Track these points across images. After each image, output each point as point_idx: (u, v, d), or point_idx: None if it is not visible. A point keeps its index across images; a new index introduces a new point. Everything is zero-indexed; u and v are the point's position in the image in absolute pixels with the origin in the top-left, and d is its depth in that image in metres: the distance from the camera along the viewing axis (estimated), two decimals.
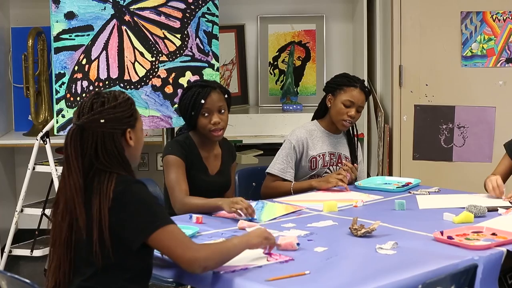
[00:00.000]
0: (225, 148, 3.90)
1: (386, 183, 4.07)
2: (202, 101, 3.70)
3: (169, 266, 2.74)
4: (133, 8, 4.60)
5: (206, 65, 4.80)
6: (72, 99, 4.46)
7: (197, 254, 2.55)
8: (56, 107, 4.45)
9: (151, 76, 4.65)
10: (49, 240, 2.67)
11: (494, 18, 5.22)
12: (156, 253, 2.67)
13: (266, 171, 4.06)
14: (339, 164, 4.10)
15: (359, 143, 4.25)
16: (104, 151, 2.59)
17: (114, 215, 2.53)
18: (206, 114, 3.71)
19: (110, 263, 2.55)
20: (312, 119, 4.20)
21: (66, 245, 2.60)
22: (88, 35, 4.48)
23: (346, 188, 3.87)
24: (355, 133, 4.17)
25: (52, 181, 4.87)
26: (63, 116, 4.45)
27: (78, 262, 2.60)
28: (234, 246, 2.66)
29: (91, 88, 4.48)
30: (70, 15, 4.43)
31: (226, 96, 3.78)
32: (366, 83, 4.16)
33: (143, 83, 4.63)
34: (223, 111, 3.74)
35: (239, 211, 3.32)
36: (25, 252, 4.99)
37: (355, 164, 4.07)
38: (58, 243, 2.62)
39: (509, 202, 3.57)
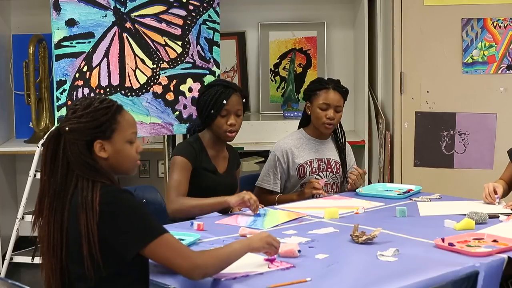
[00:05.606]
0: (230, 153, 3.98)
1: (387, 190, 4.08)
2: (224, 102, 3.76)
3: (170, 273, 2.73)
4: (134, 15, 4.61)
5: (207, 72, 4.80)
6: None
7: (196, 261, 2.52)
8: (57, 114, 4.45)
9: (152, 83, 4.65)
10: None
11: (495, 25, 5.22)
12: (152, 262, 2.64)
13: (256, 183, 4.14)
14: (329, 169, 4.11)
15: (348, 146, 4.27)
16: (72, 157, 2.52)
17: (105, 228, 2.46)
18: (224, 115, 3.76)
19: (102, 276, 2.49)
20: (298, 128, 4.26)
21: (54, 254, 2.56)
22: (89, 42, 4.48)
23: (323, 193, 3.91)
24: (343, 135, 4.21)
25: None
26: None
27: (72, 275, 2.55)
28: (234, 251, 2.63)
29: (92, 95, 4.48)
30: (71, 22, 4.44)
31: (244, 100, 3.87)
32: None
33: (144, 90, 4.63)
34: (239, 115, 3.83)
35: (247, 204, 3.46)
36: (26, 259, 4.98)
37: (364, 170, 4.11)
38: (46, 250, 2.59)
39: (511, 209, 3.56)
